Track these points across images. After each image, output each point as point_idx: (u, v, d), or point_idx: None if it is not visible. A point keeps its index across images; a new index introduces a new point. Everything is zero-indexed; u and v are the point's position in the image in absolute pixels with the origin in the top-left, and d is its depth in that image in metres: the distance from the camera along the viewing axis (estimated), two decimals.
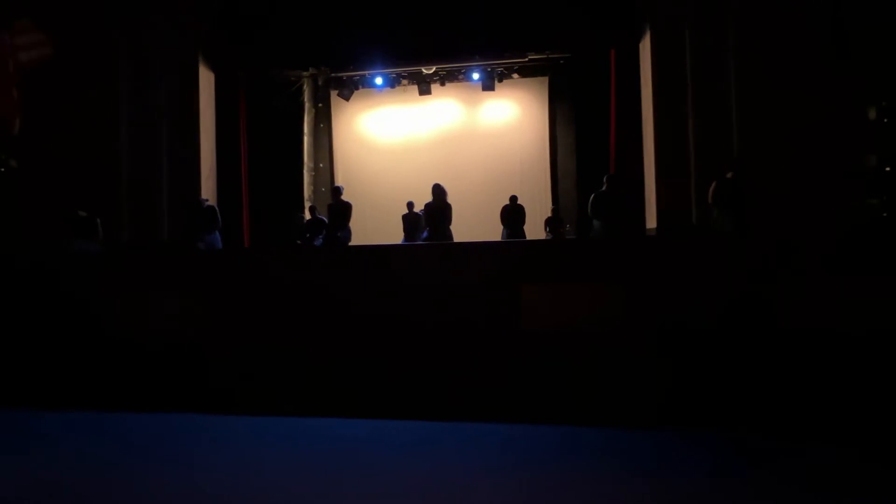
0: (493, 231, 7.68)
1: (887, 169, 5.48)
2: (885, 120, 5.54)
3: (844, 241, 3.55)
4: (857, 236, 3.80)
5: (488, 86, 9.25)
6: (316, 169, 10.09)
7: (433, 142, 10.03)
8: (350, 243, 7.05)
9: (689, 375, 3.36)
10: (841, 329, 3.22)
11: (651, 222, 7.19)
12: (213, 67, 8.25)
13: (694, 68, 6.64)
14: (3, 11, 5.87)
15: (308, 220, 7.88)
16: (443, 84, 9.50)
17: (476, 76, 9.18)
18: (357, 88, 9.70)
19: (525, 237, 7.32)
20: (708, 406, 3.28)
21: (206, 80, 8.12)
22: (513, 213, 7.34)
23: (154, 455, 2.95)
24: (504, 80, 9.41)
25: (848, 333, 3.22)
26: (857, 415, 3.09)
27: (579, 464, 2.73)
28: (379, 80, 9.32)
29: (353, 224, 7.39)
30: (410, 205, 7.31)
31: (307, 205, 9.09)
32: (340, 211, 7.04)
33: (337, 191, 7.32)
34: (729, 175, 5.20)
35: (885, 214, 5.37)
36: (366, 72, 9.27)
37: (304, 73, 9.52)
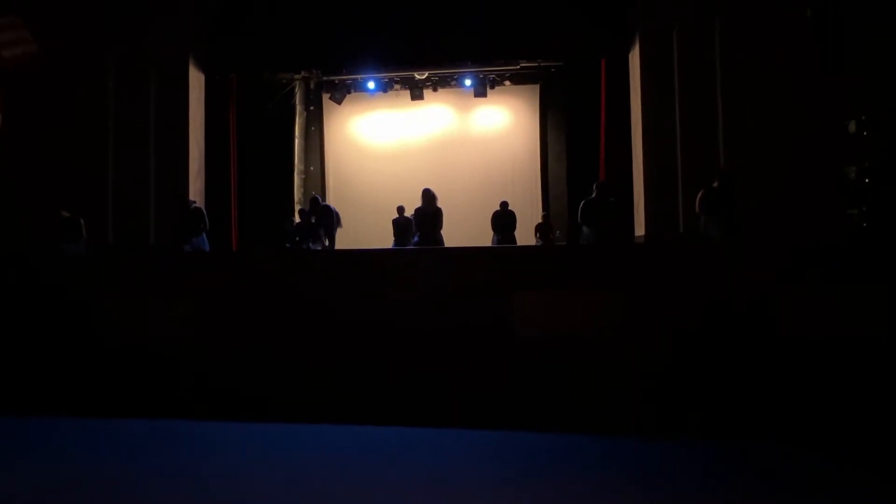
0: (483, 236, 7.70)
1: (867, 181, 5.63)
2: (865, 133, 5.70)
3: (828, 249, 3.64)
4: (840, 245, 3.90)
5: (480, 92, 9.32)
6: (307, 172, 10.04)
7: (425, 147, 10.05)
8: (340, 245, 7.03)
9: (687, 382, 3.38)
10: (839, 335, 3.28)
11: (640, 230, 7.28)
12: (203, 69, 8.18)
13: (682, 78, 6.78)
14: None
15: (297, 224, 7.83)
16: (435, 90, 9.54)
17: (468, 82, 9.24)
18: (349, 92, 9.69)
19: (516, 243, 7.35)
20: (707, 414, 3.30)
21: (196, 82, 8.04)
22: (503, 219, 7.38)
23: (147, 462, 2.88)
24: (496, 87, 9.48)
25: (844, 339, 3.28)
26: (850, 421, 3.13)
27: (575, 472, 2.72)
28: (371, 85, 9.32)
29: (344, 227, 7.36)
30: (401, 209, 7.30)
31: (297, 208, 9.02)
32: (324, 216, 7.03)
33: (315, 201, 7.34)
34: (716, 184, 5.30)
35: (864, 225, 5.52)
36: (358, 76, 9.27)
37: (296, 76, 9.49)
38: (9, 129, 5.89)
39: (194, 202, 7.20)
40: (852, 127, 5.81)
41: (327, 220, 7.08)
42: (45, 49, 5.91)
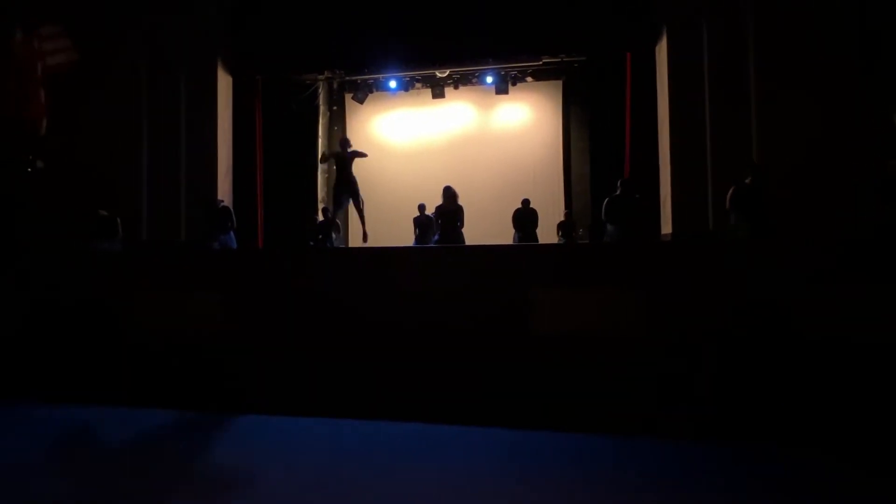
0: (505, 234, 7.65)
1: None
2: None
3: (865, 248, 3.44)
4: (878, 243, 3.68)
5: (502, 89, 9.24)
6: (329, 171, 10.17)
7: (446, 145, 10.04)
8: (362, 238, 6.96)
9: (706, 383, 3.29)
10: (864, 338, 3.12)
11: (666, 228, 7.08)
12: (230, 71, 8.40)
13: (711, 72, 6.54)
14: (32, 18, 6.07)
15: (321, 222, 7.95)
16: (456, 87, 9.52)
17: (490, 79, 9.18)
18: (371, 91, 9.77)
19: (537, 241, 7.27)
20: (723, 416, 3.20)
21: (224, 84, 8.27)
22: (525, 217, 7.31)
23: (162, 451, 2.99)
24: (518, 84, 9.39)
25: (870, 343, 3.12)
26: (875, 425, 2.99)
27: (589, 473, 2.69)
28: (393, 84, 9.38)
29: (366, 226, 7.37)
30: (422, 207, 7.31)
31: (320, 206, 9.17)
32: (345, 160, 6.67)
33: (345, 141, 6.87)
34: (747, 180, 5.10)
35: None
36: (380, 75, 9.34)
37: (320, 77, 9.63)
38: (50, 132, 6.20)
39: (222, 201, 7.42)
40: None
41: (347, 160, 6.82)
42: (81, 55, 6.19)
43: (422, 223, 7.17)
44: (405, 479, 2.58)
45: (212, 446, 3.12)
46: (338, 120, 10.34)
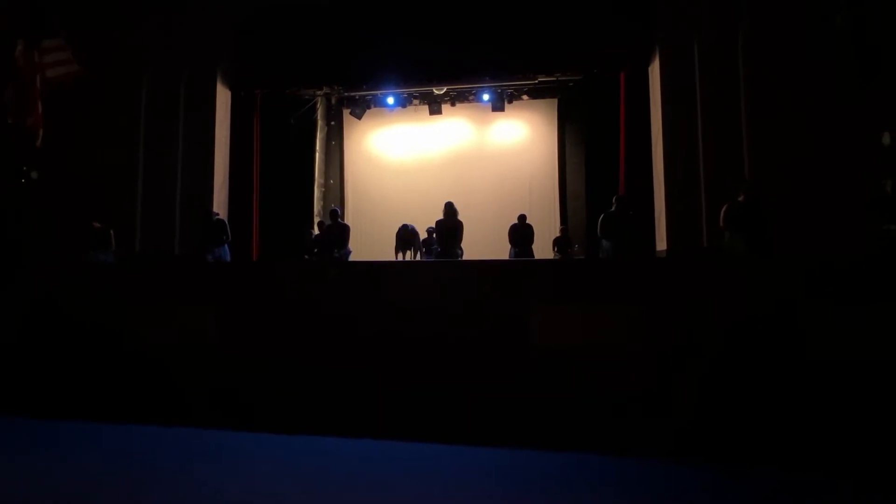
0: (501, 250, 7.66)
1: None
2: None
3: (863, 268, 3.46)
4: (877, 263, 3.70)
5: (498, 107, 9.38)
6: (326, 185, 10.22)
7: (443, 161, 10.13)
8: (357, 258, 7.05)
9: (709, 404, 3.25)
10: (863, 359, 3.11)
11: (661, 244, 7.12)
12: (229, 85, 8.48)
13: (704, 90, 6.67)
14: (34, 30, 6.12)
15: (317, 236, 7.94)
16: (453, 104, 9.65)
17: (486, 97, 9.32)
18: (369, 107, 9.89)
19: (533, 257, 7.28)
20: (728, 438, 3.15)
21: (223, 98, 8.33)
22: (521, 233, 7.33)
23: (154, 470, 2.91)
24: (514, 101, 9.53)
25: (869, 363, 3.11)
26: (883, 449, 2.95)
27: (587, 495, 2.62)
28: (391, 100, 9.50)
29: (362, 240, 7.40)
30: (405, 225, 7.41)
31: (316, 220, 9.17)
32: (339, 233, 7.05)
33: (334, 213, 7.32)
34: (741, 198, 5.16)
35: None
36: (378, 91, 9.46)
37: (318, 92, 9.74)
38: (46, 142, 6.20)
39: (217, 214, 7.39)
40: (887, 139, 5.59)
41: (342, 236, 7.12)
42: (85, 68, 6.24)
43: (403, 238, 7.23)
44: (395, 501, 2.51)
45: (204, 464, 3.03)
46: (335, 135, 10.42)
